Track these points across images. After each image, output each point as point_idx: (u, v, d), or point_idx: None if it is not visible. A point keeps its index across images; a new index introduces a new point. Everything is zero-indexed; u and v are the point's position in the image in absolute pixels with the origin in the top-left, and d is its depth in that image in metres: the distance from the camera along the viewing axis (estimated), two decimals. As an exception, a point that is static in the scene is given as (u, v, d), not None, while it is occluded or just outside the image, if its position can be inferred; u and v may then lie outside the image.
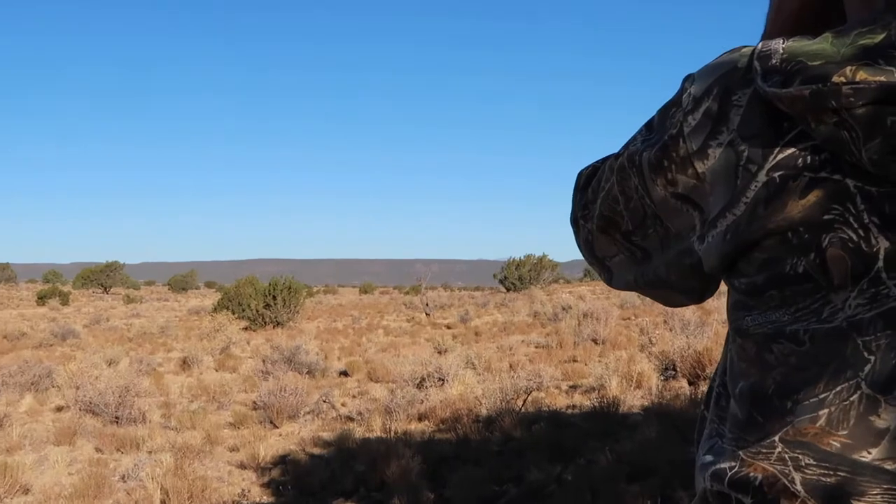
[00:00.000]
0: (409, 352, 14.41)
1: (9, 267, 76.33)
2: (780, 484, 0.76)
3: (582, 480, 5.23)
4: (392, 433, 7.56)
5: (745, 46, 0.82)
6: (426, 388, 9.48)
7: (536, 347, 14.52)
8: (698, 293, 0.93)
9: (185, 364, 14.36)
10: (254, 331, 22.93)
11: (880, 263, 0.73)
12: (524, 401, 8.17)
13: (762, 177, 0.75)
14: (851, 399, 0.75)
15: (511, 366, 11.48)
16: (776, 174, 0.75)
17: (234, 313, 22.61)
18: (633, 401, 8.06)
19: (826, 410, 0.76)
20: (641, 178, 0.86)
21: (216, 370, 14.14)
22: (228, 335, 17.58)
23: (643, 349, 11.36)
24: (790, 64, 0.74)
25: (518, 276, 43.15)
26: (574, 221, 0.99)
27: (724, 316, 0.91)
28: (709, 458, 0.86)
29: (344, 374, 12.91)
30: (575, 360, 12.08)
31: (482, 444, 6.80)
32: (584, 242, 0.98)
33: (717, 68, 0.81)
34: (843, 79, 0.70)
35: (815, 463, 0.76)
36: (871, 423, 0.74)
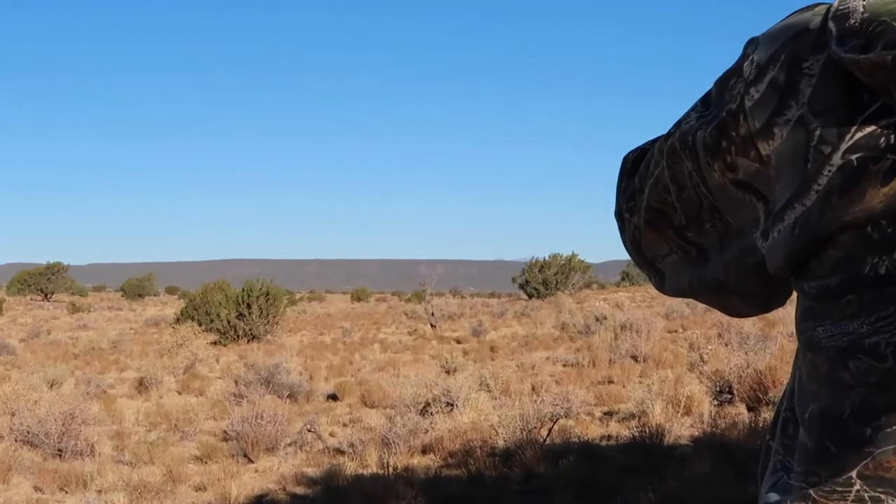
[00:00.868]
0: (410, 371, 14.42)
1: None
2: None
3: (619, 526, 5.22)
4: (390, 469, 7.56)
5: (818, 3, 0.82)
6: (431, 414, 9.48)
7: (564, 366, 14.50)
8: (764, 300, 0.93)
9: (142, 386, 14.40)
10: (224, 346, 22.99)
11: None
12: (549, 430, 8.17)
13: (837, 160, 0.75)
14: None
15: (534, 388, 11.47)
16: (854, 156, 0.75)
17: (200, 325, 22.68)
18: (681, 430, 8.04)
19: (914, 440, 0.75)
20: (696, 163, 0.86)
21: (179, 393, 14.17)
22: (194, 351, 17.62)
23: (693, 368, 11.33)
24: (871, 25, 0.74)
25: (542, 279, 43.10)
26: (618, 215, 0.99)
27: (792, 328, 0.90)
28: (773, 497, 0.86)
29: (333, 397, 12.92)
30: (611, 382, 12.06)
31: (499, 482, 6.80)
32: (631, 240, 0.98)
33: (784, 30, 0.81)
34: None
35: None
36: None
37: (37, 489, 7.95)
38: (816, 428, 0.81)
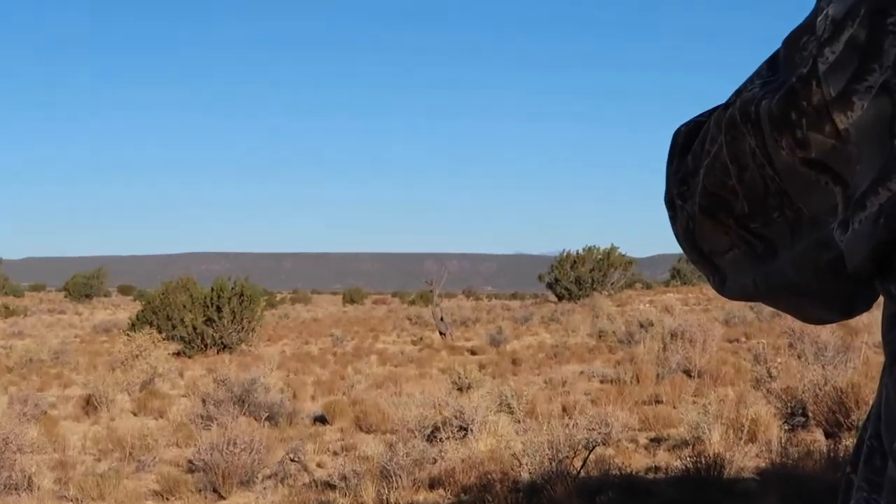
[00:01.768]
0: (415, 388, 14.41)
1: None
2: None
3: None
4: (391, 507, 7.58)
5: None
6: (441, 441, 9.49)
7: (602, 382, 14.48)
8: (843, 304, 0.92)
9: (90, 405, 14.43)
10: (189, 357, 23.04)
11: None
12: (584, 460, 8.18)
13: (930, 136, 0.75)
14: None
15: (565, 409, 11.47)
16: (950, 133, 0.75)
17: (160, 331, 22.71)
18: (744, 460, 8.04)
19: None
20: (760, 139, 0.86)
21: (134, 414, 14.20)
22: (152, 363, 17.65)
23: (759, 385, 11.31)
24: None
25: (574, 277, 43.11)
26: (669, 202, 0.99)
27: (878, 336, 0.90)
28: (855, 541, 0.86)
29: (321, 420, 12.93)
30: (658, 402, 12.05)
31: (522, 523, 6.81)
32: (684, 231, 0.98)
33: None
34: None
35: None
36: None
37: (-36, 530, 8.00)
38: (908, 459, 0.82)
